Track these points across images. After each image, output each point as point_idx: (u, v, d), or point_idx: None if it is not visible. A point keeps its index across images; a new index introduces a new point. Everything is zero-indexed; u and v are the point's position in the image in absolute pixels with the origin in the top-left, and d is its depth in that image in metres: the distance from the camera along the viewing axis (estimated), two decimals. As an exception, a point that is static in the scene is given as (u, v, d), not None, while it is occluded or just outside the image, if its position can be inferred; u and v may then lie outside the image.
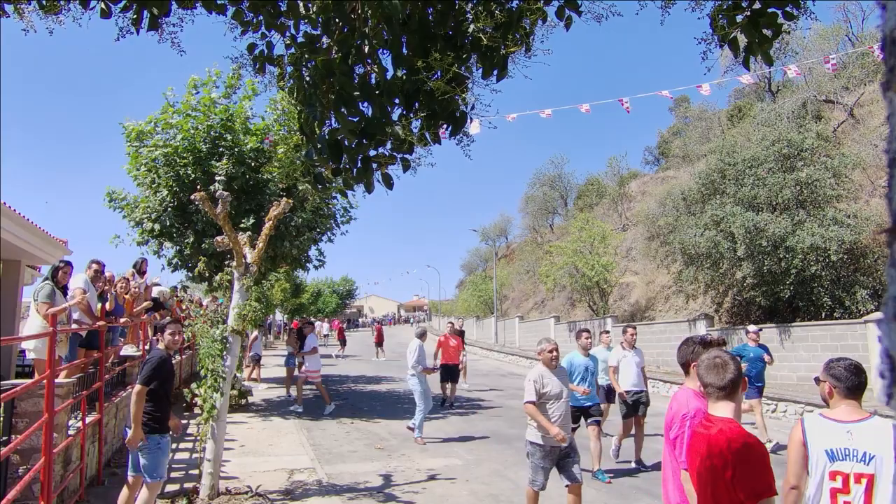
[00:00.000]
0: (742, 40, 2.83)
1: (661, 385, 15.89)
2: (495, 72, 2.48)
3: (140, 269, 10.66)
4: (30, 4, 3.13)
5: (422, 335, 10.41)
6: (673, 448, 2.93)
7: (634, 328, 8.55)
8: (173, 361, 5.39)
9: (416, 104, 2.44)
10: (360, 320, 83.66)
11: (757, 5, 2.73)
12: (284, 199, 7.66)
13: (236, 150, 11.07)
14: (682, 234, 16.98)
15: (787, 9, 2.68)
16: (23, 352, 9.22)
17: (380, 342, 28.23)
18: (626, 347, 8.29)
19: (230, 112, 11.26)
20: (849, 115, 20.78)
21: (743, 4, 2.74)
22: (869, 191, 17.06)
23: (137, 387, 4.98)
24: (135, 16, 3.02)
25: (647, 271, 25.10)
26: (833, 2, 23.04)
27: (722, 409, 2.47)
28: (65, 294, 7.01)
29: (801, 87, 22.58)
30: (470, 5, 2.52)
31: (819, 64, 19.08)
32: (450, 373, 13.41)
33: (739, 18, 2.76)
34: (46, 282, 6.80)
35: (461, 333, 16.86)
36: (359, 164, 2.39)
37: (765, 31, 2.69)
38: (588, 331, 7.59)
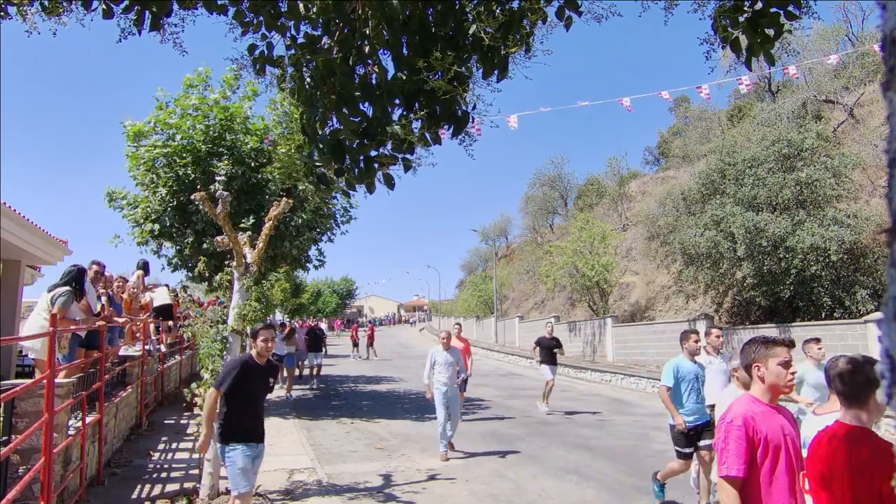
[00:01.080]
0: (744, 41, 2.83)
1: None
2: (496, 72, 2.48)
3: (146, 269, 10.86)
4: (32, 6, 3.13)
5: (443, 338, 8.88)
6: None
7: (720, 329, 7.09)
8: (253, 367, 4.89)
9: (417, 104, 2.44)
10: (360, 320, 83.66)
11: (759, 5, 2.73)
12: (284, 199, 7.65)
13: (236, 150, 11.06)
14: (682, 234, 16.98)
15: (790, 8, 2.68)
16: (23, 352, 9.21)
17: (371, 342, 28.74)
18: (710, 352, 6.81)
19: (229, 112, 11.26)
20: (849, 115, 20.78)
21: (745, 6, 2.74)
22: (869, 191, 17.06)
23: (210, 389, 4.80)
24: (136, 17, 3.02)
25: (647, 271, 25.10)
26: (833, 2, 23.04)
27: (849, 416, 2.42)
28: (79, 299, 6.99)
29: (801, 87, 22.58)
30: (471, 5, 2.51)
31: (819, 64, 19.08)
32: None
33: (742, 19, 2.76)
34: (67, 288, 6.70)
35: (555, 343, 12.74)
36: (361, 165, 2.38)
37: (767, 31, 2.69)
38: (697, 332, 6.36)
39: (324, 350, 17.69)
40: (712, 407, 6.25)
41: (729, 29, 2.76)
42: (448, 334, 9.09)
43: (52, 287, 6.91)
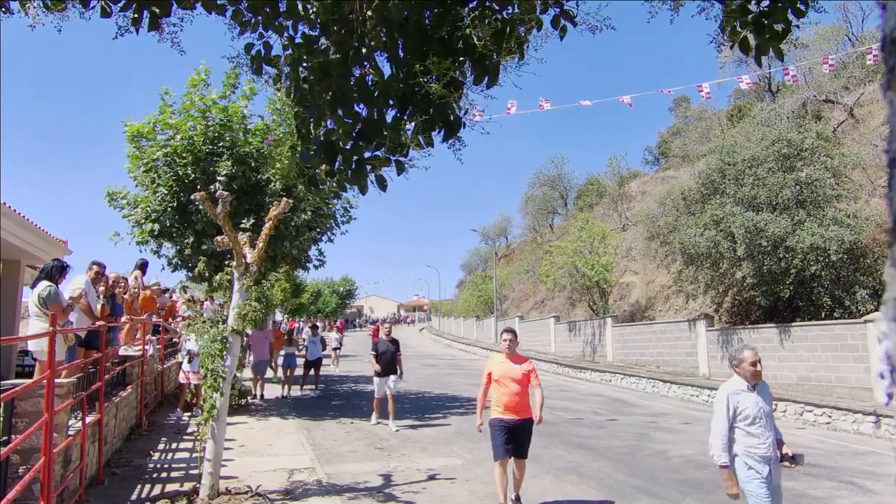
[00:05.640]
0: (752, 39, 2.84)
1: (660, 385, 15.89)
2: (486, 78, 2.48)
3: (143, 269, 10.86)
4: (34, 1, 3.15)
5: (751, 363, 4.30)
6: None
7: None
8: None
9: (411, 107, 2.44)
10: (358, 321, 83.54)
11: (766, 3, 2.73)
12: (284, 199, 7.66)
13: (236, 150, 11.07)
14: (682, 234, 16.98)
15: (797, 5, 2.69)
16: (25, 352, 9.23)
17: None
18: None
19: (228, 112, 11.26)
20: (849, 115, 20.78)
21: (751, 5, 2.75)
22: (869, 191, 17.06)
23: None
24: (135, 15, 3.02)
25: (647, 271, 25.10)
26: (833, 1, 23.04)
27: None
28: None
29: (801, 87, 22.58)
30: (466, 9, 2.52)
31: (819, 64, 19.09)
32: (514, 438, 5.96)
33: (749, 18, 2.77)
34: (49, 284, 6.64)
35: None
36: (353, 166, 2.39)
37: (776, 27, 2.69)
38: None
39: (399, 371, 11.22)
40: None
41: (738, 28, 2.77)
42: (755, 354, 4.41)
43: (33, 285, 6.88)
